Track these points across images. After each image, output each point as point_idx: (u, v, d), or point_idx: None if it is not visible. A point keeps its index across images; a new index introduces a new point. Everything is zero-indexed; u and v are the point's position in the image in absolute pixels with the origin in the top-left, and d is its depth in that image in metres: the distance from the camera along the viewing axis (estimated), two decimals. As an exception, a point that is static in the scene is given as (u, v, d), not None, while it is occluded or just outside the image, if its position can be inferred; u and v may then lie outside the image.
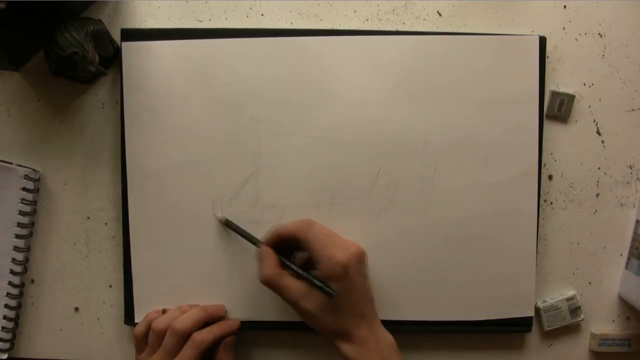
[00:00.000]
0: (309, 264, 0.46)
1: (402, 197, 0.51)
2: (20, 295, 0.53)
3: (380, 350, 0.45)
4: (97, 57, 0.46)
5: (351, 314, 0.45)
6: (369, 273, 0.47)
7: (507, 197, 0.51)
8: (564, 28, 0.52)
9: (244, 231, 0.50)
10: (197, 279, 0.52)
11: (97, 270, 0.54)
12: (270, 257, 0.46)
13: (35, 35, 0.47)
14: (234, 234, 0.50)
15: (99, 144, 0.53)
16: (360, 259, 0.46)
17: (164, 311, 0.51)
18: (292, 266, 0.46)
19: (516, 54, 0.50)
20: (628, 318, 0.54)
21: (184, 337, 0.47)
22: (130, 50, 0.50)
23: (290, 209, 0.51)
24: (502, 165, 0.51)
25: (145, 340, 0.49)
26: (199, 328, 0.48)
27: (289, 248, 0.48)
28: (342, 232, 0.51)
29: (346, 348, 0.45)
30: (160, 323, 0.48)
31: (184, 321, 0.47)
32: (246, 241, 0.50)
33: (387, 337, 0.47)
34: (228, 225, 0.50)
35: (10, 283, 0.52)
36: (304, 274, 0.45)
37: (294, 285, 0.45)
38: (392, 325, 0.52)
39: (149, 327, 0.48)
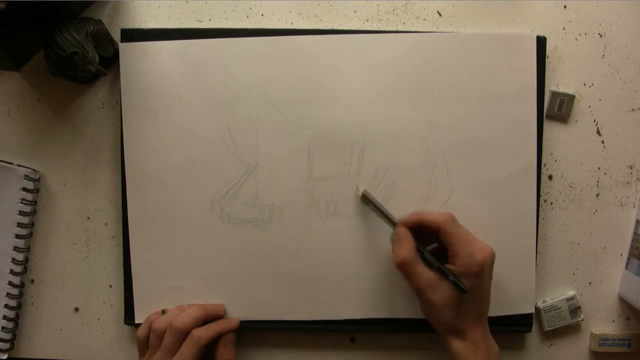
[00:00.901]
0: (439, 257, 0.46)
1: (401, 195, 0.51)
2: (20, 295, 0.53)
3: (488, 355, 0.45)
4: (97, 57, 0.46)
5: (472, 313, 0.45)
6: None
7: (507, 196, 0.51)
8: (564, 28, 0.52)
9: (383, 207, 0.49)
10: (197, 278, 0.52)
11: (97, 270, 0.54)
12: (409, 241, 0.46)
13: (35, 35, 0.47)
14: (233, 232, 0.51)
15: (98, 144, 0.53)
16: (492, 261, 0.46)
17: (163, 312, 0.51)
18: (428, 255, 0.46)
19: (514, 52, 0.50)
20: (628, 318, 0.54)
21: (183, 335, 0.47)
22: (128, 51, 0.50)
23: (289, 207, 0.51)
24: (501, 162, 0.51)
25: (147, 343, 0.49)
26: (198, 325, 0.48)
27: (420, 236, 0.47)
28: (341, 231, 0.51)
29: (458, 345, 0.45)
30: (160, 323, 0.48)
31: (183, 319, 0.47)
32: (246, 241, 0.50)
33: (495, 347, 0.47)
34: (366, 198, 0.49)
35: (10, 283, 0.52)
36: (439, 264, 0.45)
37: (425, 273, 0.45)
38: (392, 325, 0.52)
39: (150, 330, 0.49)
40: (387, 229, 0.49)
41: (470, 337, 0.45)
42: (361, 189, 0.50)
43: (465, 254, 0.44)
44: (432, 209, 0.51)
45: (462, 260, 0.44)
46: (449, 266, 0.45)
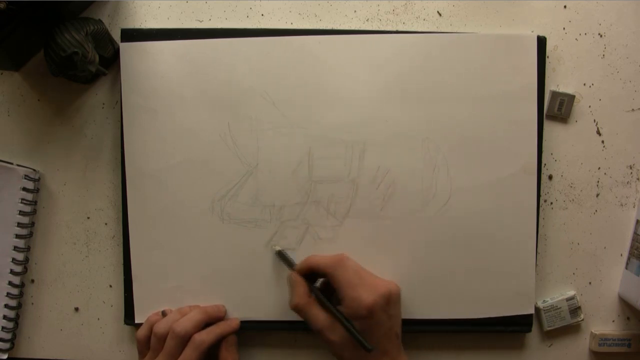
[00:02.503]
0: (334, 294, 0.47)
1: (401, 196, 0.51)
2: (20, 295, 0.53)
3: None
4: (97, 57, 0.46)
5: (374, 351, 0.45)
6: (399, 311, 0.48)
7: (507, 195, 0.51)
8: (564, 28, 0.52)
9: (290, 259, 0.50)
10: (197, 278, 0.52)
11: (97, 270, 0.54)
12: (301, 286, 0.48)
13: (35, 35, 0.47)
14: (233, 232, 0.51)
15: (99, 144, 0.53)
16: (388, 300, 0.45)
17: (163, 313, 0.51)
18: (322, 298, 0.47)
19: (514, 52, 0.50)
20: (628, 318, 0.54)
21: (185, 339, 0.47)
22: (128, 51, 0.50)
23: (289, 207, 0.51)
24: (501, 162, 0.51)
25: (147, 344, 0.49)
26: (200, 329, 0.48)
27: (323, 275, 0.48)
28: (341, 230, 0.51)
29: None
30: (161, 327, 0.48)
31: (184, 324, 0.47)
32: (246, 241, 0.51)
33: None
34: (281, 255, 0.51)
35: (10, 283, 0.52)
36: (335, 310, 0.45)
37: (320, 315, 0.46)
38: (392, 325, 0.52)
39: (150, 331, 0.49)
40: (388, 229, 0.49)
41: None
42: (276, 248, 0.51)
43: (351, 298, 0.45)
44: (433, 209, 0.51)
45: (348, 304, 0.45)
46: (340, 308, 0.46)
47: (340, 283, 0.46)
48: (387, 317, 0.46)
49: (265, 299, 0.52)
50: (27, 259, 0.53)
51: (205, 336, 0.47)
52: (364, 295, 0.45)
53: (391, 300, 0.46)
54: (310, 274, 0.48)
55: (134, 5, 0.52)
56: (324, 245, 0.51)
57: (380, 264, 0.51)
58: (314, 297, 0.47)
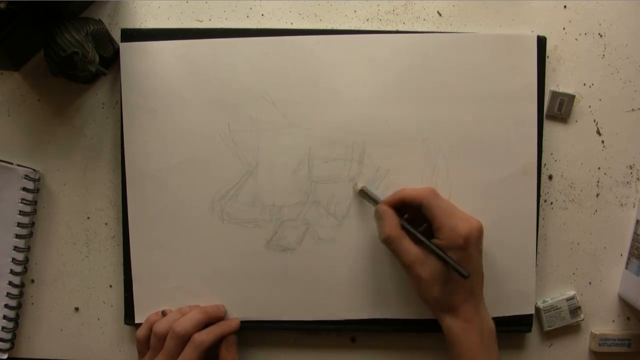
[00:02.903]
0: (427, 235, 0.46)
1: (402, 197, 0.51)
2: (20, 295, 0.53)
3: (482, 332, 0.45)
4: (97, 57, 0.46)
5: (462, 288, 0.45)
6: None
7: (507, 196, 0.51)
8: (564, 28, 0.52)
9: (374, 195, 0.49)
10: (197, 278, 0.52)
11: (97, 270, 0.54)
12: (392, 217, 0.46)
13: (35, 35, 0.47)
14: (233, 232, 0.51)
15: (99, 144, 0.53)
16: (480, 234, 0.45)
17: (163, 313, 0.51)
18: (414, 231, 0.46)
19: (514, 52, 0.50)
20: (628, 318, 0.54)
21: (185, 339, 0.47)
22: (128, 51, 0.50)
23: (289, 207, 0.51)
24: (501, 163, 0.51)
25: (147, 343, 0.49)
26: (200, 329, 0.48)
27: (406, 214, 0.47)
28: (341, 231, 0.51)
29: (450, 321, 0.45)
30: (161, 326, 0.48)
31: (184, 323, 0.47)
32: (246, 241, 0.51)
33: (490, 322, 0.46)
34: (363, 193, 0.49)
35: (10, 283, 0.52)
36: (428, 242, 0.45)
37: (412, 249, 0.45)
38: (392, 325, 0.52)
39: (150, 331, 0.49)
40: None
41: (461, 314, 0.45)
42: (360, 186, 0.50)
43: (448, 227, 0.44)
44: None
45: (445, 234, 0.44)
46: (435, 241, 0.45)
47: (435, 212, 0.45)
48: (478, 252, 0.45)
49: (265, 299, 0.52)
50: (27, 259, 0.53)
51: (205, 336, 0.47)
52: (460, 224, 0.44)
53: (481, 234, 0.45)
54: (398, 209, 0.47)
55: (134, 5, 0.52)
56: (324, 245, 0.51)
57: (380, 263, 0.51)
58: (404, 231, 0.46)
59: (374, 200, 0.49)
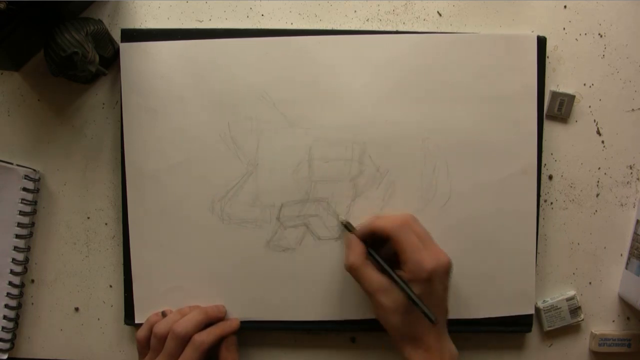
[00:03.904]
0: (395, 261, 0.46)
1: (401, 197, 0.51)
2: (20, 295, 0.53)
3: None
4: (97, 57, 0.46)
5: (424, 319, 0.44)
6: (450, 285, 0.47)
7: (507, 196, 0.51)
8: (564, 28, 0.52)
9: (351, 226, 0.49)
10: (197, 279, 0.52)
11: (97, 270, 0.54)
12: (358, 246, 0.47)
13: (35, 35, 0.47)
14: (233, 232, 0.51)
15: (99, 144, 0.53)
16: (446, 270, 0.45)
17: (163, 313, 0.51)
18: (381, 261, 0.46)
19: (514, 52, 0.50)
20: (628, 318, 0.54)
21: (185, 340, 0.47)
22: (128, 51, 0.50)
23: (289, 208, 0.51)
24: (501, 163, 0.51)
25: (147, 344, 0.49)
26: (200, 329, 0.48)
27: (381, 240, 0.47)
28: (340, 230, 0.51)
29: (411, 352, 0.45)
30: (161, 327, 0.48)
31: (184, 324, 0.47)
32: (246, 241, 0.51)
33: (452, 350, 0.46)
34: (347, 227, 0.50)
35: (10, 283, 0.52)
36: (392, 273, 0.45)
37: (375, 277, 0.45)
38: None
39: (150, 331, 0.49)
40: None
41: (423, 344, 0.45)
42: (342, 219, 0.50)
43: (413, 261, 0.44)
44: (433, 209, 0.51)
45: (409, 267, 0.44)
46: (399, 272, 0.45)
47: (402, 246, 0.45)
48: (443, 287, 0.45)
49: (265, 299, 0.52)
50: (27, 259, 0.53)
51: (206, 337, 0.47)
52: (427, 259, 0.44)
53: (448, 270, 0.45)
54: (370, 238, 0.47)
55: (134, 5, 0.52)
56: (324, 245, 0.51)
57: (380, 264, 0.51)
58: (369, 259, 0.46)
59: (347, 228, 0.49)
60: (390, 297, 0.45)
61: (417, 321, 0.45)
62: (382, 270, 0.46)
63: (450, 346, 0.47)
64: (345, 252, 0.48)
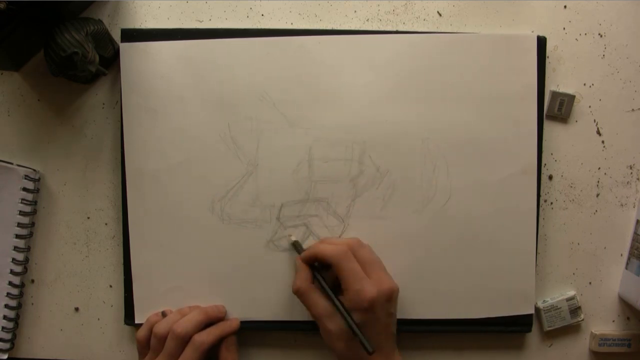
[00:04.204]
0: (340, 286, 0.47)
1: (401, 196, 0.51)
2: (20, 295, 0.53)
3: None
4: (97, 57, 0.46)
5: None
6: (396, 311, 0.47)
7: (507, 196, 0.51)
8: (564, 28, 0.52)
9: (302, 249, 0.50)
10: (197, 279, 0.52)
11: (97, 270, 0.54)
12: (304, 271, 0.48)
13: (35, 35, 0.47)
14: (233, 232, 0.51)
15: (99, 144, 0.53)
16: (389, 297, 0.45)
17: (163, 313, 0.51)
18: (326, 287, 0.46)
19: (514, 53, 0.50)
20: (628, 318, 0.54)
21: (185, 340, 0.47)
22: (128, 51, 0.50)
23: (289, 208, 0.51)
24: (501, 163, 0.51)
25: (147, 344, 0.49)
26: (200, 330, 0.48)
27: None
28: (341, 231, 0.51)
29: None
30: (161, 327, 0.48)
31: (184, 324, 0.47)
32: (247, 241, 0.51)
33: None
34: (295, 246, 0.50)
35: (10, 283, 0.52)
36: (335, 300, 0.45)
37: (321, 302, 0.46)
38: (392, 325, 0.52)
39: (150, 331, 0.49)
40: (387, 230, 0.49)
41: None
42: (292, 239, 0.51)
43: (353, 290, 0.44)
44: (433, 209, 0.51)
45: (350, 296, 0.45)
46: (342, 298, 0.45)
47: (343, 275, 0.45)
48: (386, 314, 0.46)
49: (265, 299, 0.52)
50: (27, 259, 0.53)
51: (206, 337, 0.48)
52: (367, 288, 0.44)
53: (392, 298, 0.46)
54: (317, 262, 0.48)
55: (134, 5, 0.52)
56: (324, 245, 0.51)
57: (380, 264, 0.51)
58: (316, 283, 0.47)
59: (299, 252, 0.50)
60: (334, 323, 0.45)
61: (361, 348, 0.44)
62: (327, 295, 0.46)
63: None
64: (295, 275, 0.49)
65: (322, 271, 0.48)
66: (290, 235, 0.51)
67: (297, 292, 0.47)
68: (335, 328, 0.45)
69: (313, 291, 0.47)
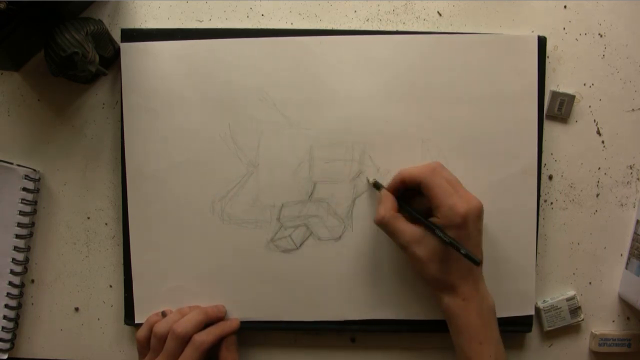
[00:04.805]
0: (427, 213, 0.46)
1: (402, 197, 0.51)
2: (20, 295, 0.53)
3: (481, 310, 0.45)
4: (97, 57, 0.46)
5: (460, 267, 0.44)
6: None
7: (507, 196, 0.51)
8: (564, 28, 0.52)
9: (380, 184, 0.49)
10: (196, 279, 0.52)
11: (97, 270, 0.54)
12: (388, 200, 0.47)
13: (35, 35, 0.47)
14: (233, 232, 0.51)
15: (99, 144, 0.53)
16: (479, 213, 0.45)
17: (164, 313, 0.51)
18: (414, 212, 0.46)
19: (515, 53, 0.50)
20: (628, 318, 0.54)
21: (185, 340, 0.47)
22: (129, 51, 0.50)
23: (289, 208, 0.51)
24: (501, 163, 0.51)
25: (147, 344, 0.49)
26: (200, 330, 0.48)
27: (414, 195, 0.47)
28: (342, 231, 0.51)
29: (448, 300, 0.45)
30: (161, 327, 0.48)
31: (184, 324, 0.47)
32: (247, 241, 0.51)
33: (489, 299, 0.46)
34: (376, 186, 0.50)
35: (10, 283, 0.52)
36: (427, 222, 0.44)
37: (408, 228, 0.45)
38: (392, 325, 0.52)
39: (150, 331, 0.49)
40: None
41: (460, 292, 0.45)
42: (371, 180, 0.50)
43: (446, 206, 0.44)
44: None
45: (443, 213, 0.44)
46: (433, 219, 0.45)
47: (434, 191, 0.44)
48: (477, 231, 0.45)
49: (265, 299, 0.52)
50: (27, 259, 0.53)
51: (206, 337, 0.48)
52: (459, 203, 0.44)
53: (481, 214, 0.45)
54: (401, 190, 0.47)
55: (134, 5, 0.52)
56: (325, 245, 0.51)
57: (380, 264, 0.51)
58: (400, 213, 0.46)
59: (377, 187, 0.49)
60: (424, 247, 0.44)
61: (453, 269, 0.44)
62: (414, 223, 0.45)
63: (487, 295, 0.46)
64: (377, 207, 0.47)
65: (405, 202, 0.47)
66: (368, 177, 0.50)
67: (382, 221, 0.46)
68: (425, 252, 0.44)
69: (398, 219, 0.46)
